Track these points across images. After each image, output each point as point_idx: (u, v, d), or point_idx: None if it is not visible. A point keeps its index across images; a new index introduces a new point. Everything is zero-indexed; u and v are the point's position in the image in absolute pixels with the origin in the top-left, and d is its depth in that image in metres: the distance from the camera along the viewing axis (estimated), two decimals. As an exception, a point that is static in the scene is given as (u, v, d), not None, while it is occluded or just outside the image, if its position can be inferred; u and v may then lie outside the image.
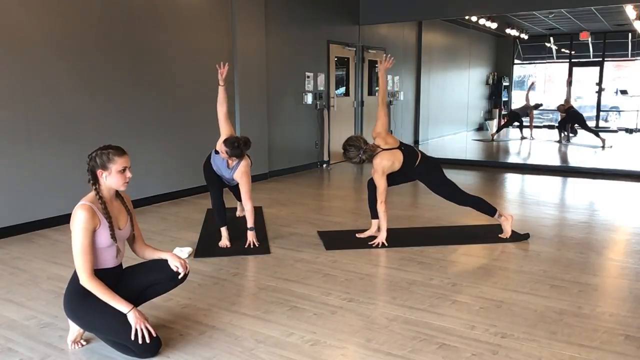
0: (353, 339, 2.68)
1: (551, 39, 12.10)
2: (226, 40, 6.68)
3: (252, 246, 4.19)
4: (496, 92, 12.88)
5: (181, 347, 2.58)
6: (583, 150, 10.50)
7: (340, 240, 4.42)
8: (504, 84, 12.80)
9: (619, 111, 12.08)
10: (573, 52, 11.95)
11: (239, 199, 4.75)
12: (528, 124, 11.68)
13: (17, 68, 4.57)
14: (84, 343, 2.63)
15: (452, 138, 12.07)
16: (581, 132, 11.00)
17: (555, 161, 9.77)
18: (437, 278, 3.52)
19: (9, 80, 4.52)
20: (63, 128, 4.94)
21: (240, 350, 2.56)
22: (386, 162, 4.17)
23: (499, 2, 8.29)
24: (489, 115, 13.10)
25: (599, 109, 11.66)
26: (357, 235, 4.51)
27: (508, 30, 11.40)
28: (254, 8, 6.95)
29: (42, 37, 4.73)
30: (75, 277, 2.46)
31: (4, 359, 2.51)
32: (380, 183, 4.18)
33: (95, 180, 2.47)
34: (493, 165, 9.02)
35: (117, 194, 2.61)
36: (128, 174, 2.51)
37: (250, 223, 4.24)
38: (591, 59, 11.72)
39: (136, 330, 2.37)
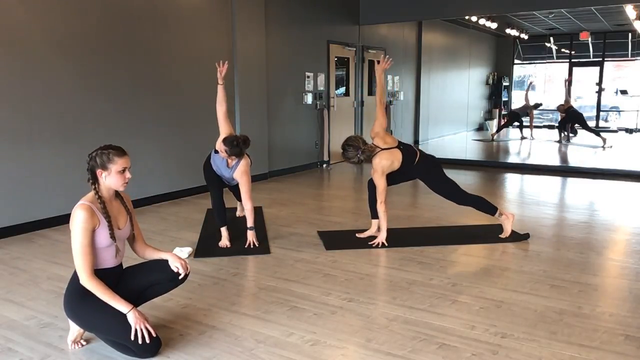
0: (353, 339, 2.68)
1: (551, 39, 12.10)
2: (226, 40, 6.68)
3: (252, 246, 4.19)
4: (496, 92, 12.88)
5: (181, 347, 2.58)
6: (583, 150, 10.50)
7: (340, 240, 4.42)
8: (504, 84, 12.79)
9: (619, 111, 12.08)
10: (573, 52, 11.95)
11: (239, 199, 4.75)
12: (528, 124, 11.68)
13: (17, 68, 4.57)
14: (84, 343, 2.63)
15: (452, 138, 12.07)
16: (581, 132, 11.00)
17: (555, 161, 9.77)
18: (437, 278, 3.52)
19: (9, 80, 4.53)
20: (63, 128, 4.94)
21: (240, 350, 2.56)
22: (385, 161, 4.17)
23: (499, 2, 8.29)
24: (489, 115, 13.10)
25: (599, 109, 11.67)
26: (357, 235, 4.51)
27: (508, 30, 11.40)
28: (254, 8, 6.95)
29: (42, 37, 4.73)
30: (75, 277, 2.46)
31: (4, 359, 2.51)
32: (380, 183, 4.18)
33: (94, 180, 2.47)
34: (493, 165, 9.02)
35: (117, 194, 2.61)
36: (128, 175, 2.51)
37: (250, 223, 4.24)
38: (591, 59, 11.72)
39: (136, 330, 2.37)
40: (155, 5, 5.72)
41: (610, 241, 4.48)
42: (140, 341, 2.37)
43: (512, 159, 10.45)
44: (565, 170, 8.24)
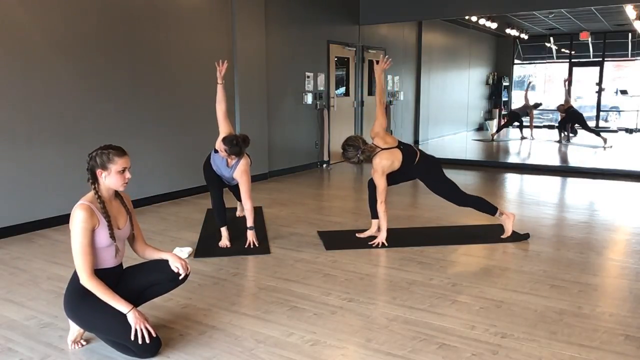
0: (353, 339, 2.68)
1: (551, 39, 12.10)
2: (226, 40, 6.68)
3: (252, 246, 4.19)
4: (496, 92, 12.88)
5: (181, 347, 2.58)
6: (583, 150, 10.50)
7: (340, 240, 4.42)
8: (504, 84, 12.80)
9: (619, 111, 12.08)
10: (573, 52, 11.95)
11: (239, 199, 4.75)
12: (528, 124, 11.68)
13: (17, 68, 4.57)
14: (84, 343, 2.63)
15: (452, 138, 12.07)
16: (581, 132, 11.00)
17: (555, 161, 9.77)
18: (437, 278, 3.52)
19: (9, 80, 4.53)
20: (63, 128, 4.94)
21: (240, 350, 2.56)
22: (385, 161, 4.17)
23: (499, 2, 8.29)
24: (489, 115, 13.10)
25: (599, 109, 11.67)
26: (357, 235, 4.51)
27: (508, 30, 11.40)
28: (254, 8, 6.95)
29: (42, 37, 4.73)
30: (75, 277, 2.46)
31: (4, 359, 2.51)
32: (380, 183, 4.18)
33: (94, 180, 2.47)
34: (493, 165, 9.02)
35: (117, 194, 2.61)
36: (127, 175, 2.51)
37: (249, 222, 4.24)
38: (591, 59, 11.72)
39: (136, 330, 2.37)
40: (155, 5, 5.72)
41: (610, 241, 4.48)
42: (140, 341, 2.37)
43: (512, 159, 10.45)
44: (565, 170, 8.24)
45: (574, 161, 9.92)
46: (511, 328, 2.77)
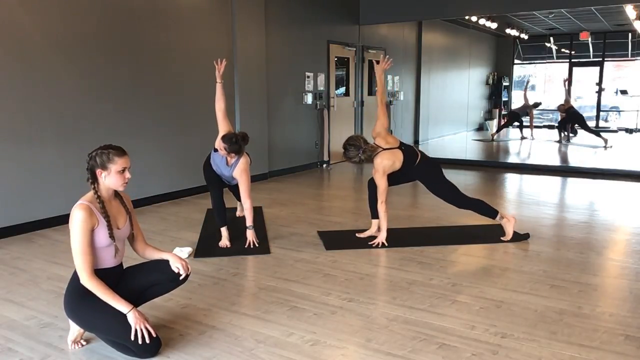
0: (353, 339, 2.68)
1: (551, 39, 12.10)
2: (226, 40, 6.68)
3: (252, 245, 4.19)
4: (496, 92, 12.89)
5: (181, 347, 2.58)
6: (583, 150, 10.50)
7: (340, 240, 4.42)
8: (504, 84, 12.80)
9: (619, 111, 12.09)
10: (573, 52, 11.96)
11: (239, 199, 4.75)
12: (528, 123, 11.67)
13: (17, 68, 4.57)
14: (84, 343, 2.63)
15: (452, 138, 12.07)
16: (581, 132, 11.00)
17: (555, 161, 9.77)
18: (437, 278, 3.52)
19: (9, 80, 4.52)
20: (63, 128, 4.94)
21: (240, 350, 2.56)
22: (387, 161, 4.17)
23: (499, 2, 8.29)
24: (489, 115, 13.11)
25: (599, 109, 11.67)
26: (357, 235, 4.51)
27: (508, 30, 11.40)
28: (254, 8, 6.95)
29: (42, 37, 4.73)
30: (75, 277, 2.46)
31: (4, 359, 2.51)
32: (381, 183, 4.18)
33: (94, 180, 2.47)
34: (493, 165, 9.02)
35: (117, 194, 2.61)
36: (127, 175, 2.51)
37: (249, 222, 4.23)
38: (591, 59, 11.72)
39: (136, 330, 2.37)
40: (155, 5, 5.73)
41: (610, 241, 4.48)
42: (140, 341, 2.37)
43: (512, 159, 10.45)
44: (565, 170, 8.24)
45: (574, 161, 9.92)
46: (511, 328, 2.77)
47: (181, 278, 2.60)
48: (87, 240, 2.38)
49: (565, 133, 11.11)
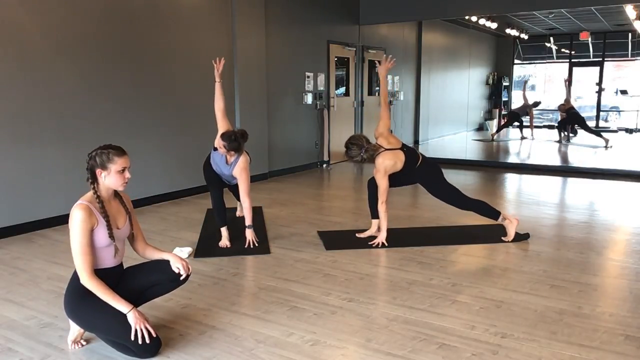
0: (353, 339, 2.68)
1: (551, 39, 12.10)
2: (226, 40, 6.68)
3: (251, 245, 4.19)
4: (496, 92, 12.89)
5: (181, 347, 2.58)
6: (583, 150, 10.50)
7: (340, 240, 4.42)
8: (504, 84, 12.80)
9: (619, 111, 12.09)
10: (573, 52, 11.95)
11: (239, 199, 4.74)
12: (528, 123, 11.66)
13: (17, 68, 4.57)
14: (84, 343, 2.63)
15: (452, 138, 12.07)
16: (581, 132, 10.99)
17: (555, 161, 9.77)
18: (437, 278, 3.52)
19: (9, 80, 4.52)
20: (63, 128, 4.94)
21: (240, 350, 2.56)
22: (388, 161, 4.16)
23: (499, 2, 8.29)
24: (489, 115, 13.11)
25: (599, 109, 11.67)
26: (357, 235, 4.51)
27: (508, 30, 11.40)
28: (254, 8, 6.95)
29: (42, 37, 4.73)
30: (75, 277, 2.46)
31: (4, 359, 2.51)
32: (382, 183, 4.18)
33: (93, 180, 2.47)
34: (493, 165, 9.02)
35: (116, 194, 2.61)
36: (127, 175, 2.51)
37: (248, 221, 4.23)
38: (591, 59, 11.72)
39: (136, 330, 2.37)
40: (155, 5, 5.73)
41: (610, 241, 4.48)
42: (140, 341, 2.37)
43: (512, 159, 10.45)
44: (565, 170, 8.24)
45: (574, 161, 9.92)
46: (511, 328, 2.77)
47: (182, 278, 2.60)
48: (87, 240, 2.38)
49: (565, 133, 11.10)
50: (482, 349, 2.55)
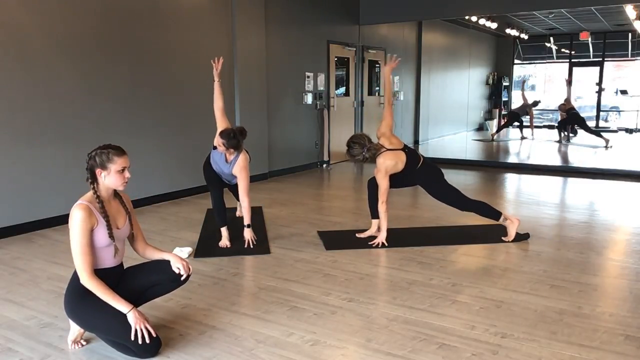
0: (353, 339, 2.68)
1: (551, 39, 12.10)
2: (226, 40, 6.68)
3: (250, 244, 4.19)
4: (496, 92, 12.89)
5: (181, 347, 2.58)
6: (583, 150, 10.50)
7: (340, 240, 4.42)
8: (504, 84, 12.80)
9: (619, 111, 12.09)
10: (573, 52, 11.95)
11: (239, 199, 4.75)
12: (528, 123, 11.66)
13: (17, 68, 4.57)
14: (84, 343, 2.63)
15: (452, 138, 12.07)
16: (581, 132, 10.99)
17: (556, 161, 9.77)
18: (437, 278, 3.52)
19: (9, 80, 4.52)
20: (63, 128, 4.94)
21: (240, 350, 2.56)
22: (389, 161, 4.16)
23: (499, 2, 8.29)
24: (489, 115, 13.11)
25: (599, 109, 11.67)
26: (357, 235, 4.51)
27: (508, 30, 11.40)
28: (254, 8, 6.95)
29: (42, 37, 4.73)
30: (75, 277, 2.46)
31: (4, 359, 2.51)
32: (383, 183, 4.18)
33: (93, 180, 2.47)
34: (493, 165, 9.02)
35: (116, 194, 2.61)
36: (127, 174, 2.51)
37: (247, 220, 4.23)
38: (591, 59, 11.72)
39: (136, 330, 2.37)
40: (155, 5, 5.73)
41: (610, 241, 4.48)
42: (140, 341, 2.37)
43: (512, 159, 10.45)
44: (565, 170, 8.24)
45: (574, 161, 9.92)
46: (511, 328, 2.77)
47: (182, 278, 2.60)
48: (87, 240, 2.38)
49: (565, 133, 11.10)
50: (482, 349, 2.55)
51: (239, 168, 4.17)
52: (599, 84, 11.54)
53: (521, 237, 4.38)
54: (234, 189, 4.58)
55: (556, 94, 11.64)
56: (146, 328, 2.39)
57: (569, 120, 10.81)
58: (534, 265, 3.76)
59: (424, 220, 5.10)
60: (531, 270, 3.67)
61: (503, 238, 4.35)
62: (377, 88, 10.21)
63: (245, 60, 6.90)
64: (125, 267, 2.65)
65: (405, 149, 4.26)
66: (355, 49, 9.30)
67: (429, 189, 4.39)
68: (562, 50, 12.22)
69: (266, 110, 7.34)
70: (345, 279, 3.52)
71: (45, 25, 4.75)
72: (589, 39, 11.33)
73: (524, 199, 6.34)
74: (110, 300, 2.38)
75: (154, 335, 2.43)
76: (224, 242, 4.24)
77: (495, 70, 12.90)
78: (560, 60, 12.32)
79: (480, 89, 12.63)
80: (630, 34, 10.94)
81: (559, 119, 11.13)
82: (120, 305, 2.39)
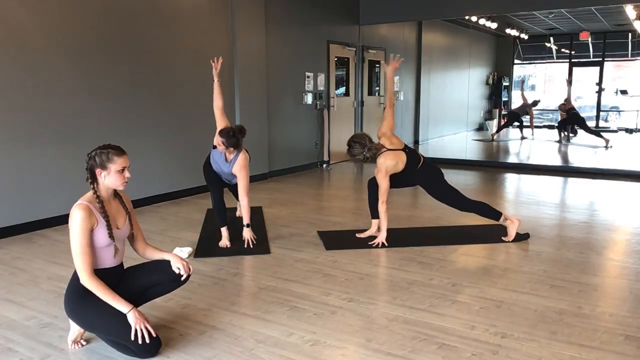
0: (353, 339, 2.68)
1: (551, 39, 12.10)
2: (226, 40, 6.68)
3: (250, 244, 4.19)
4: (496, 92, 12.89)
5: (181, 347, 2.58)
6: (583, 150, 10.50)
7: (340, 240, 4.42)
8: (504, 84, 12.80)
9: (619, 111, 12.08)
10: (573, 52, 11.95)
11: (239, 198, 4.75)
12: (528, 123, 11.66)
13: (17, 68, 4.57)
14: (84, 343, 2.63)
15: (452, 138, 12.07)
16: (581, 132, 10.99)
17: (556, 161, 9.77)
18: (437, 278, 3.52)
19: (9, 80, 4.52)
20: (63, 128, 4.94)
21: (240, 350, 2.56)
22: (390, 161, 4.16)
23: (499, 2, 8.29)
24: (489, 115, 13.11)
25: (599, 109, 11.67)
26: (357, 235, 4.51)
27: (508, 30, 11.40)
28: (254, 8, 6.95)
29: (42, 37, 4.73)
30: (75, 277, 2.46)
31: (4, 359, 2.51)
32: (383, 183, 4.18)
33: (93, 180, 2.47)
34: (493, 165, 9.02)
35: (116, 194, 2.61)
36: (127, 174, 2.51)
37: (246, 220, 4.23)
38: (591, 59, 11.72)
39: (136, 330, 2.37)
40: (155, 5, 5.73)
41: (610, 241, 4.48)
42: (140, 341, 2.37)
43: (512, 159, 10.45)
44: (565, 170, 8.24)
45: (574, 161, 9.92)
46: (511, 328, 2.77)
47: (182, 278, 2.60)
48: (87, 240, 2.38)
49: (565, 133, 11.10)
50: (482, 349, 2.55)
51: (238, 167, 4.17)
52: (599, 84, 11.54)
53: (521, 237, 4.38)
54: (234, 188, 4.58)
55: (556, 94, 11.64)
56: (146, 328, 2.39)
57: (569, 120, 10.81)
58: (534, 265, 3.76)
59: (424, 220, 5.10)
60: (531, 270, 3.67)
61: (503, 238, 4.35)
62: (377, 88, 10.21)
63: (245, 60, 6.90)
64: (125, 267, 2.65)
65: (405, 149, 4.26)
66: (355, 49, 9.30)
67: (429, 189, 4.39)
68: (562, 50, 12.22)
69: (266, 110, 7.34)
70: (345, 279, 3.52)
71: (45, 25, 4.75)
72: (589, 39, 11.33)
73: (524, 199, 6.34)
74: (110, 300, 2.38)
75: (154, 335, 2.43)
76: (224, 242, 4.24)
77: (495, 70, 12.89)
78: (560, 60, 12.32)
79: (480, 89, 12.63)
80: (630, 34, 10.94)
81: (559, 119, 11.13)
82: (120, 305, 2.39)
